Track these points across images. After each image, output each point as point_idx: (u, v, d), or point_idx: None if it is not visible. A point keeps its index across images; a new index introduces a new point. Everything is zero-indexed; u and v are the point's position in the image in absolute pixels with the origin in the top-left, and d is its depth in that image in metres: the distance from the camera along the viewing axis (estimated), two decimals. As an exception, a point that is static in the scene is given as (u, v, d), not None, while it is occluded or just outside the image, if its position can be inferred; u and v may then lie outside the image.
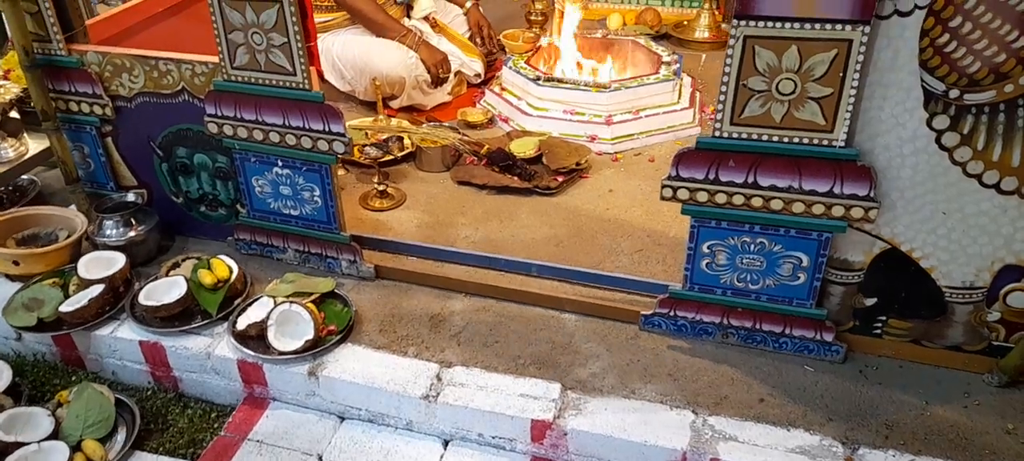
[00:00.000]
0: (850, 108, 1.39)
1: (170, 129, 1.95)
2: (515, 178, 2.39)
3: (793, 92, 1.41)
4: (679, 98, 2.74)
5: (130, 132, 2.00)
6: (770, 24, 1.36)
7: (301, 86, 1.73)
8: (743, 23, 1.37)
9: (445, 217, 2.25)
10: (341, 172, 2.47)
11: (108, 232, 1.96)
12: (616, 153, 2.59)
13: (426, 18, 3.02)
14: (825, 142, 1.44)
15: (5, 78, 2.32)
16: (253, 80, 1.76)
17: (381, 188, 2.32)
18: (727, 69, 1.43)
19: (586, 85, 2.66)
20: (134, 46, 2.05)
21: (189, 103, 1.88)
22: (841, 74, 1.36)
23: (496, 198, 2.35)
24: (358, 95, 2.88)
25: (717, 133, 1.50)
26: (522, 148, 2.50)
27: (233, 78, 1.78)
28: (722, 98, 1.46)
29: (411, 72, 2.73)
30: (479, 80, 3.08)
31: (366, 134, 2.60)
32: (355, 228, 2.07)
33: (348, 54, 2.79)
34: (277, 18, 1.65)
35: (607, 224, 2.21)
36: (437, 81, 2.81)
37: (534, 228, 2.19)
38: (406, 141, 2.55)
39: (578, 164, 2.43)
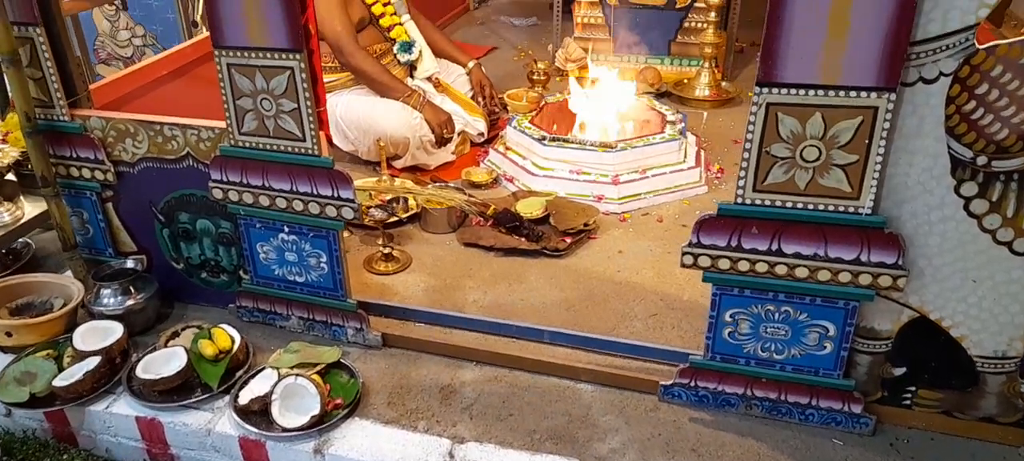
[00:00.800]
0: (876, 175, 1.36)
1: (173, 194, 1.91)
2: (522, 239, 2.34)
3: (818, 159, 1.38)
4: (685, 157, 2.72)
5: (131, 197, 1.95)
6: (794, 91, 1.33)
7: (310, 152, 1.69)
8: (766, 90, 1.35)
9: (452, 280, 2.20)
10: (345, 234, 2.42)
11: (106, 301, 1.90)
12: (624, 213, 2.56)
13: (429, 78, 3.02)
14: (851, 209, 1.41)
15: (3, 141, 2.28)
16: (261, 146, 1.72)
17: (386, 251, 2.27)
18: (749, 135, 1.40)
19: (592, 145, 2.64)
20: (137, 110, 2.02)
21: (193, 168, 1.84)
22: (867, 141, 1.34)
23: (504, 260, 2.30)
24: (361, 155, 2.85)
25: (739, 200, 1.47)
26: (529, 208, 2.46)
27: (240, 143, 1.74)
28: (744, 165, 1.43)
29: (415, 132, 2.71)
30: (482, 139, 3.07)
31: (370, 195, 2.56)
32: (360, 292, 2.01)
33: (352, 114, 2.77)
34: (288, 85, 1.62)
35: (619, 287, 2.16)
36: (441, 141, 2.79)
37: (544, 291, 2.14)
38: (411, 202, 2.51)
39: (586, 225, 2.39)
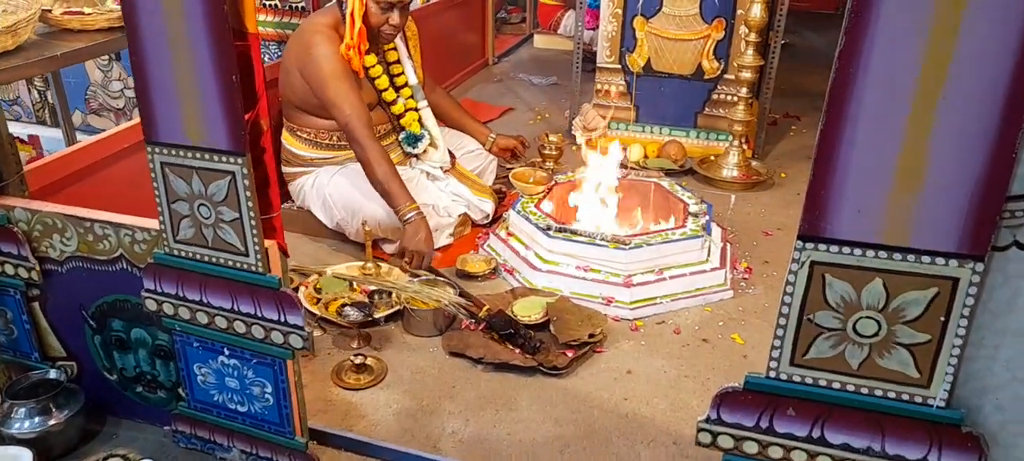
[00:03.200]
0: (954, 360, 1.05)
1: (105, 299, 1.64)
2: (517, 351, 2.04)
3: (876, 335, 1.07)
4: (709, 256, 2.41)
5: (60, 299, 1.69)
6: (847, 250, 1.03)
7: (254, 269, 1.42)
8: (810, 246, 1.05)
9: (430, 402, 1.90)
10: (317, 333, 2.15)
11: (18, 423, 1.62)
12: (636, 320, 2.24)
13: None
14: (918, 399, 1.09)
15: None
16: (199, 257, 1.46)
17: (359, 360, 1.98)
18: (787, 297, 1.10)
19: (603, 239, 2.34)
20: (85, 192, 1.78)
21: (127, 272, 1.58)
22: (942, 318, 1.03)
23: (494, 377, 2.00)
24: (348, 235, 2.58)
25: (772, 373, 1.16)
26: (527, 310, 2.17)
27: (176, 252, 1.48)
28: (780, 333, 1.12)
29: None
30: (487, 221, 2.78)
31: (351, 285, 2.29)
32: (321, 413, 1.73)
33: (341, 193, 2.51)
34: (228, 191, 1.36)
35: (624, 421, 1.84)
36: (407, 267, 2.38)
37: (536, 423, 1.82)
38: (395, 296, 2.22)
39: (591, 336, 2.08)
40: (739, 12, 3.30)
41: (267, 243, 1.43)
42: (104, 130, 2.34)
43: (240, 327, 1.48)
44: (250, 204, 1.35)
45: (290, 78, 2.52)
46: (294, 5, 3.03)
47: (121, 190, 1.68)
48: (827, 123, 0.97)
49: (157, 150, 1.38)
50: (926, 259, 1.00)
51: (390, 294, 2.20)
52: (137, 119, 2.32)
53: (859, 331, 1.07)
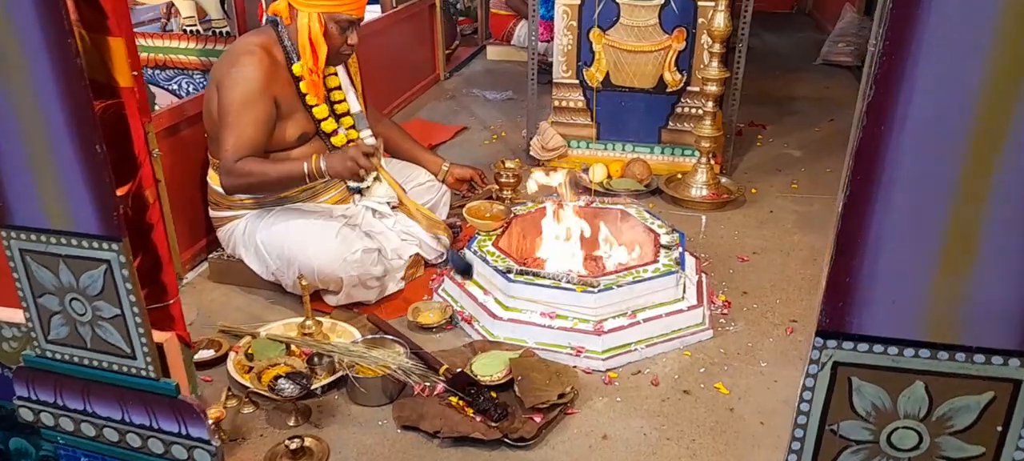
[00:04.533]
0: (1011, 475, 0.84)
1: (-27, 406, 1.36)
2: (479, 420, 1.80)
3: (916, 448, 0.86)
4: (684, 293, 2.21)
5: (-82, 407, 1.40)
6: (879, 349, 0.82)
7: (144, 373, 1.15)
8: (833, 344, 0.83)
9: (380, 490, 1.65)
10: (248, 410, 1.87)
11: None
12: (609, 371, 2.02)
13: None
14: (967, 520, 0.88)
15: None
16: (77, 359, 1.18)
17: (295, 445, 1.71)
18: (804, 405, 0.88)
19: (569, 282, 2.12)
20: None
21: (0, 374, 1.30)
22: (999, 428, 0.82)
23: (453, 453, 1.76)
24: (285, 287, 2.31)
25: (786, 492, 0.94)
26: (488, 369, 1.94)
27: (49, 354, 1.20)
28: (796, 447, 0.90)
29: (349, 270, 2.17)
30: (442, 259, 2.54)
31: (287, 349, 2.02)
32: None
33: (275, 240, 2.23)
34: (104, 283, 1.09)
35: (602, 500, 1.62)
36: (365, 170, 2.19)
37: (502, 510, 1.59)
38: (337, 361, 1.96)
39: (561, 396, 1.86)
40: (700, 21, 3.13)
41: (162, 337, 1.16)
42: None
43: (134, 440, 1.21)
44: (132, 298, 1.09)
45: (211, 102, 2.23)
46: (218, 31, 2.74)
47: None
48: (852, 193, 0.75)
49: (13, 235, 1.11)
50: (979, 358, 0.79)
51: (332, 358, 1.94)
52: None
53: (895, 444, 0.86)
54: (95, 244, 1.06)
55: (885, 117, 0.73)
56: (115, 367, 1.16)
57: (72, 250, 1.08)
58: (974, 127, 0.71)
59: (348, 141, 2.41)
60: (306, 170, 2.18)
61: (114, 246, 1.06)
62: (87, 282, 1.10)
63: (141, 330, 1.11)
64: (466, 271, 2.29)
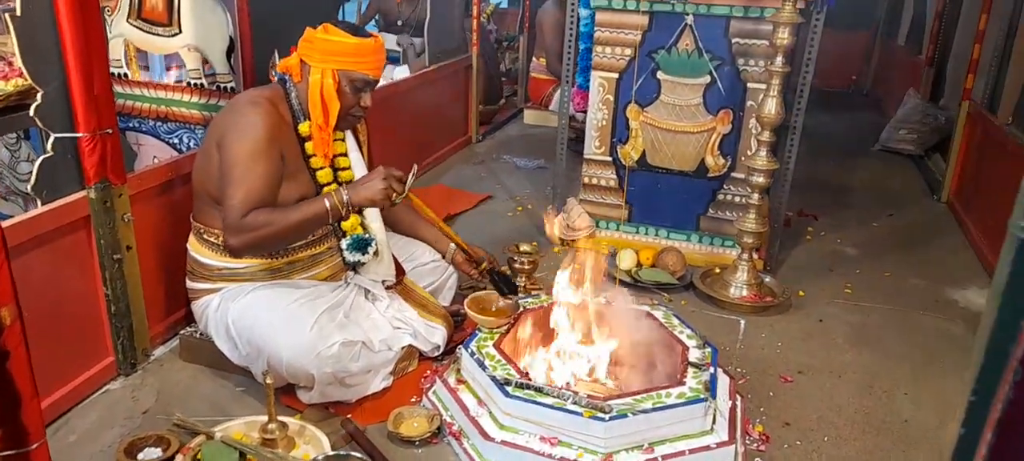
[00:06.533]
0: None
1: None
2: None
3: None
4: (713, 425, 1.86)
5: None
6: None
7: (-22, 543, 0.88)
8: None
9: None
10: (183, 533, 1.59)
11: None
12: (616, 518, 1.69)
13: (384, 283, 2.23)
14: None
15: None
16: (-95, 510, 0.92)
17: None
18: None
19: (576, 403, 1.80)
20: None
21: None
22: None
23: None
24: (256, 377, 2.04)
25: None
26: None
27: None
28: None
29: (323, 367, 1.89)
30: (438, 353, 2.25)
31: (242, 457, 1.74)
32: None
33: (245, 323, 1.98)
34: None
35: None
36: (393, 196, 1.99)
37: None
38: (297, 479, 1.68)
39: (553, 551, 1.52)
40: (749, 104, 2.84)
41: (17, 492, 0.89)
42: (11, 217, 1.89)
43: None
44: (-40, 451, 0.82)
45: (208, 159, 2.01)
46: (223, 85, 2.56)
47: None
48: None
49: None
50: None
51: (290, 475, 1.65)
52: (42, 207, 1.87)
53: None
54: (-86, 377, 0.81)
55: None
56: (-54, 528, 0.90)
57: None
58: None
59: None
60: (329, 205, 1.97)
61: (-64, 383, 0.80)
62: (-92, 422, 0.84)
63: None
64: (508, 286, 2.22)
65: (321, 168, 2.11)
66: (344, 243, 2.16)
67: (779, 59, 2.47)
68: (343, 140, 2.21)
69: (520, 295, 2.27)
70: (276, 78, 2.18)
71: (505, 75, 6.03)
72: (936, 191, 4.15)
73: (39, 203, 1.90)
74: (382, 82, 2.43)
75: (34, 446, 0.93)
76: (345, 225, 2.15)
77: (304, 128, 2.06)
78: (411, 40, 5.35)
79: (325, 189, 2.09)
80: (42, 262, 1.87)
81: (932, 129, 4.87)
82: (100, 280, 2.01)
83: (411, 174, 2.05)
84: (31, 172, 1.89)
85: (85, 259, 1.99)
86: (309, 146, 2.08)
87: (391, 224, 2.41)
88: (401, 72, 4.45)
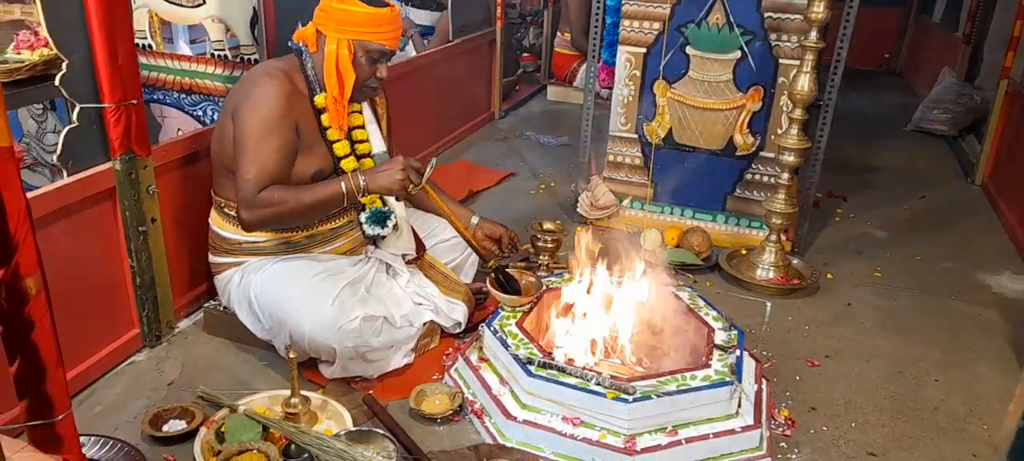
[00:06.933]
0: None
1: None
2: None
3: None
4: (739, 409, 1.83)
5: None
6: None
7: (5, 514, 0.88)
8: None
9: None
10: (207, 504, 1.60)
11: None
12: (639, 500, 1.67)
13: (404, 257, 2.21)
14: None
15: None
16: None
17: None
18: None
19: (599, 383, 1.78)
20: None
21: None
22: None
23: None
24: (278, 351, 2.04)
25: None
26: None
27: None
28: None
29: (345, 341, 1.89)
30: (460, 329, 2.24)
31: (265, 429, 1.75)
32: None
33: (268, 297, 1.98)
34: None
35: None
36: (410, 187, 1.99)
37: None
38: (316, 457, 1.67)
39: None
40: (781, 80, 2.77)
41: (45, 463, 0.90)
42: (38, 187, 1.90)
43: None
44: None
45: (224, 131, 2.00)
46: (246, 57, 2.55)
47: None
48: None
49: None
50: None
51: (310, 457, 1.65)
52: (68, 178, 1.88)
53: None
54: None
55: None
56: (-27, 498, 0.90)
57: (-83, 351, 0.83)
58: None
59: None
60: (345, 189, 1.96)
61: (-39, 354, 0.79)
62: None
63: (-2, 462, 0.84)
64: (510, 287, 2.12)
65: (337, 141, 2.09)
66: (363, 216, 2.15)
67: (813, 34, 2.40)
68: (360, 112, 2.19)
69: (542, 274, 2.24)
70: (291, 48, 2.16)
71: (528, 50, 5.96)
72: (970, 173, 4.04)
73: (65, 174, 1.90)
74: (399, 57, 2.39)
75: (60, 417, 0.92)
76: (364, 198, 2.13)
77: (320, 100, 2.04)
78: (418, 27, 5.21)
79: (342, 163, 2.07)
80: (67, 233, 1.87)
81: (967, 109, 4.73)
82: (125, 252, 2.02)
83: (429, 167, 2.02)
84: (57, 143, 1.89)
85: (110, 231, 1.99)
86: (325, 118, 2.06)
87: (412, 200, 2.38)
88: (406, 54, 4.40)
